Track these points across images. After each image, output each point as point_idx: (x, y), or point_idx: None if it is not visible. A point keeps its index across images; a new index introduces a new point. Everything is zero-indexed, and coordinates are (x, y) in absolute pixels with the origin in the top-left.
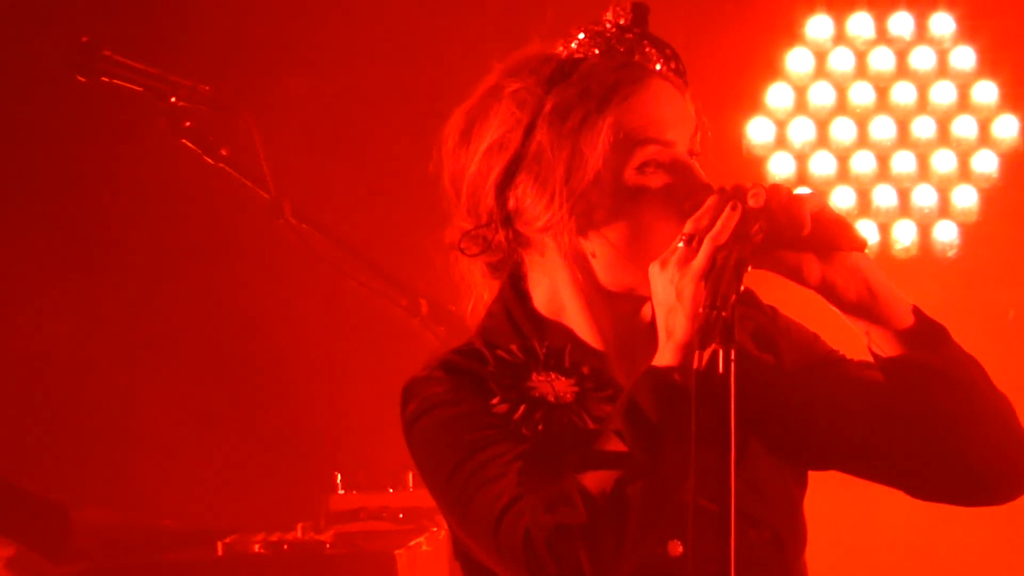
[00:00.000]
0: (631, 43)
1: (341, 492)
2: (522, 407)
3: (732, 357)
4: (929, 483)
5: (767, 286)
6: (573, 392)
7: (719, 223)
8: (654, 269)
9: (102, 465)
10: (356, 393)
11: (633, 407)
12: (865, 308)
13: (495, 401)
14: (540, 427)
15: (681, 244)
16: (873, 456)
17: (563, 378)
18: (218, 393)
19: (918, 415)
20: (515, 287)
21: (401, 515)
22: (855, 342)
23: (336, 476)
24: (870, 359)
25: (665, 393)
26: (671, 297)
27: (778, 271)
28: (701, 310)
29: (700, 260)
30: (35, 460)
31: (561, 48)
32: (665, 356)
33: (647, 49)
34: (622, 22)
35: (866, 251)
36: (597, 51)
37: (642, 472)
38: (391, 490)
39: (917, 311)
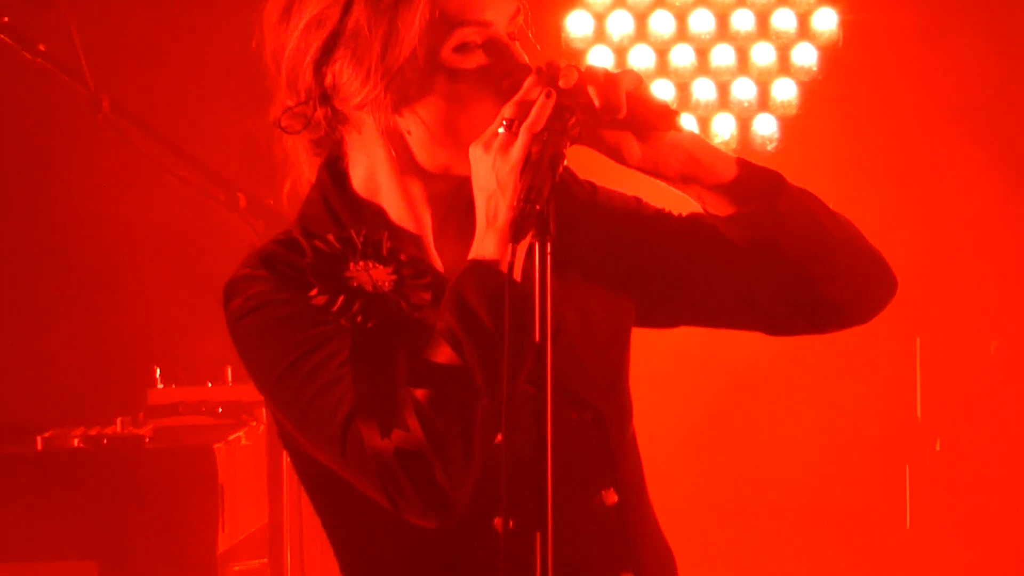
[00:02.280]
0: None
1: (160, 386)
2: (340, 298)
3: (548, 251)
4: (789, 321)
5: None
6: (391, 280)
7: (534, 112)
8: (475, 151)
9: None
10: (175, 287)
11: (463, 305)
12: (692, 178)
13: (313, 293)
14: (359, 318)
15: (502, 130)
16: (727, 304)
17: (380, 266)
18: (35, 287)
19: (768, 263)
20: (332, 170)
21: (220, 409)
22: None
23: (155, 370)
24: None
25: (493, 289)
26: (492, 183)
27: (598, 150)
28: (515, 203)
29: (517, 149)
30: None
31: None
32: (488, 245)
33: None
34: None
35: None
36: None
37: (475, 375)
38: (210, 384)
39: (744, 164)
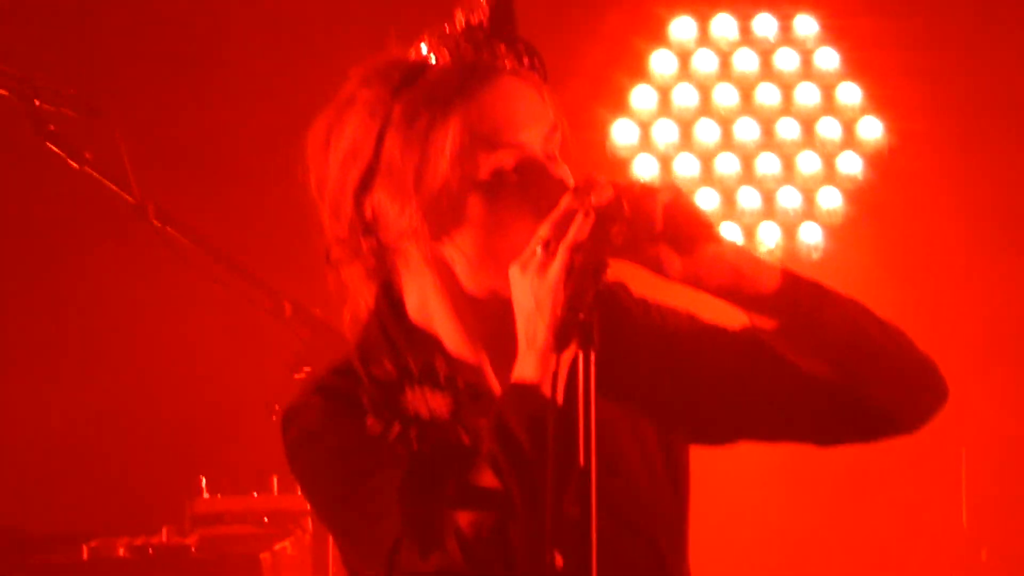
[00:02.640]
0: (480, 42)
1: (205, 495)
2: (396, 426)
3: (592, 360)
4: (837, 432)
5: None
6: (448, 407)
7: (572, 230)
8: (514, 272)
9: None
10: (220, 396)
11: (504, 429)
12: (735, 290)
13: (369, 421)
14: (415, 445)
15: (539, 249)
16: (778, 418)
17: (437, 393)
18: (82, 395)
19: (815, 375)
20: (388, 296)
21: (266, 518)
22: None
23: (200, 479)
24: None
25: (534, 412)
26: (530, 303)
27: (638, 263)
28: (559, 313)
29: (556, 268)
30: None
31: (412, 52)
32: (527, 367)
33: (497, 47)
34: (473, 21)
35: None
36: (446, 52)
37: (515, 500)
38: (255, 493)
39: (788, 275)
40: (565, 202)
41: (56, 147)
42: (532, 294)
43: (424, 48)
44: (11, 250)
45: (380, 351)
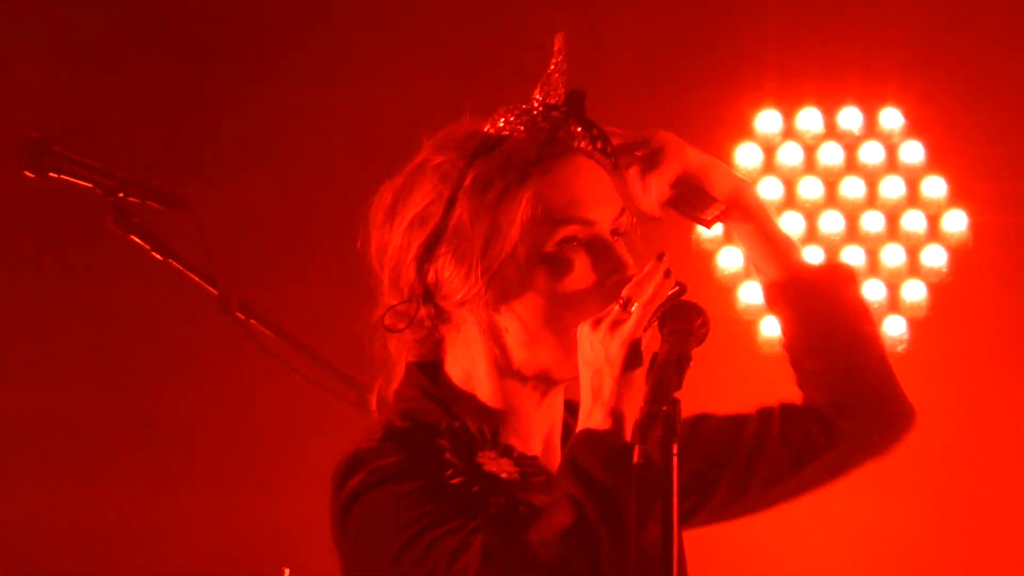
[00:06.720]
0: (556, 120)
1: None
2: (476, 485)
3: (675, 451)
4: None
5: None
6: (516, 472)
7: (651, 287)
8: (583, 329)
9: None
10: (308, 490)
11: (579, 471)
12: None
13: (449, 474)
14: (501, 500)
15: (616, 307)
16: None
17: (503, 458)
18: (173, 493)
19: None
20: (423, 368)
21: None
22: None
23: (284, 571)
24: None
25: (607, 453)
26: (599, 358)
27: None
28: (642, 404)
29: (631, 324)
30: None
31: (487, 125)
32: (595, 418)
33: (572, 127)
34: (551, 101)
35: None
36: (522, 128)
37: (600, 537)
38: None
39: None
40: (649, 267)
41: (140, 239)
42: (603, 348)
43: (500, 122)
44: (96, 346)
45: (433, 416)
